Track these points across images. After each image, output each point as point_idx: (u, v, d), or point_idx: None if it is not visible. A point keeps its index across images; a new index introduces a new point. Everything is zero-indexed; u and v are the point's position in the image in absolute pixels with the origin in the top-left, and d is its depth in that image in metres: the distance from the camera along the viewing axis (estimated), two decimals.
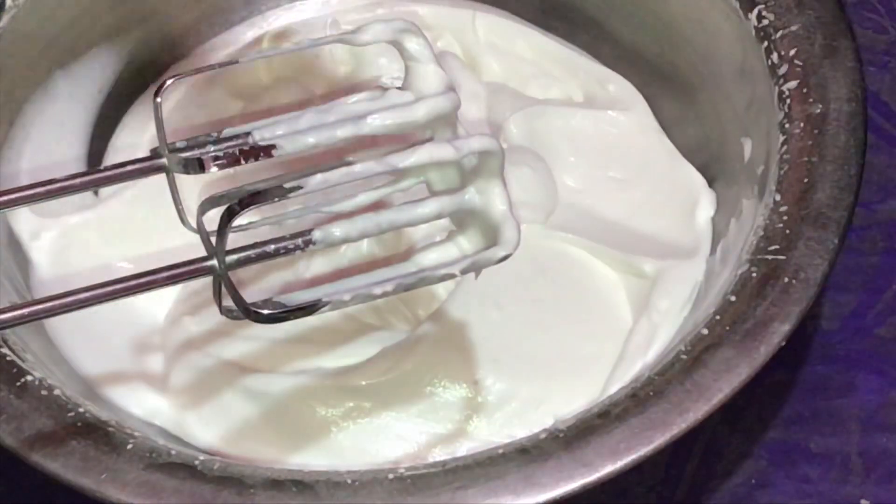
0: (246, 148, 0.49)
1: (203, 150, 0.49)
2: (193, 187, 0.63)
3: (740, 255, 0.58)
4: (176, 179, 0.50)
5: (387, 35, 0.51)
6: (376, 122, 0.49)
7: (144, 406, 0.62)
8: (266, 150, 0.48)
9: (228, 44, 0.75)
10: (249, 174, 0.50)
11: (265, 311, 0.47)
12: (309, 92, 0.71)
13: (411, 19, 0.53)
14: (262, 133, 0.49)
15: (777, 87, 0.62)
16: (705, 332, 0.56)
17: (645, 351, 0.62)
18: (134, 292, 0.46)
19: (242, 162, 0.49)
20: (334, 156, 0.49)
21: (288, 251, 0.48)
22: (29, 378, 0.56)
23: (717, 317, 0.56)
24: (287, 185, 0.47)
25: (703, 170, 0.69)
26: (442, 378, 0.62)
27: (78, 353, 0.63)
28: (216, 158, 0.48)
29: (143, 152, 0.50)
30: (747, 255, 0.58)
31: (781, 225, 0.58)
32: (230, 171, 0.67)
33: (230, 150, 0.49)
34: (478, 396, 0.62)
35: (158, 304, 0.65)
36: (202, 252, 0.47)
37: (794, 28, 0.63)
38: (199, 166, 0.48)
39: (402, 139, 0.50)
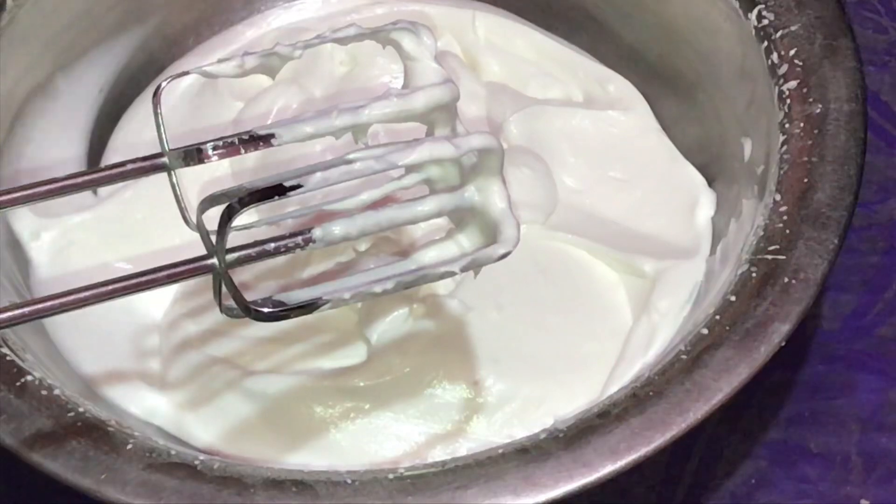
0: (245, 137, 0.49)
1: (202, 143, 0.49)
2: (193, 187, 0.63)
3: (740, 255, 0.58)
4: (176, 179, 0.50)
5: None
6: (375, 112, 0.49)
7: (143, 406, 0.62)
8: (265, 139, 0.49)
9: (228, 43, 0.75)
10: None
11: (265, 310, 0.47)
12: (308, 93, 0.71)
13: (412, 19, 0.53)
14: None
15: (777, 87, 0.62)
16: (705, 332, 0.56)
17: (645, 351, 0.62)
18: (134, 291, 0.46)
19: (242, 151, 0.49)
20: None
21: (288, 249, 0.48)
22: (29, 378, 0.56)
23: (717, 317, 0.56)
24: (287, 184, 0.47)
25: (703, 170, 0.69)
26: (441, 378, 0.62)
27: (77, 353, 0.63)
28: (215, 148, 0.48)
29: (143, 152, 0.50)
30: (747, 255, 0.58)
31: (781, 225, 0.58)
32: (229, 171, 0.68)
33: (229, 140, 0.49)
34: (478, 396, 0.62)
35: (157, 303, 0.65)
36: (202, 251, 0.47)
37: (794, 28, 0.63)
38: (198, 156, 0.48)
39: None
